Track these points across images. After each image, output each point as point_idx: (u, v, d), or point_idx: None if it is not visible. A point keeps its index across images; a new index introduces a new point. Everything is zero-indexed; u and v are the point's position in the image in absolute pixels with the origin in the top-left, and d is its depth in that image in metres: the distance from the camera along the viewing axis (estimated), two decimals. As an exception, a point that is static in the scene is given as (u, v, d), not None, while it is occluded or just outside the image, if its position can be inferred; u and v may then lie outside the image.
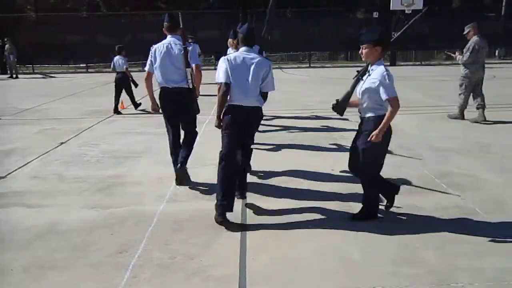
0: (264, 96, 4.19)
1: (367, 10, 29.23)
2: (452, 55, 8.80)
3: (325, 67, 22.25)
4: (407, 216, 3.99)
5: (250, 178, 5.08)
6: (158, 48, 4.78)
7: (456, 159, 5.69)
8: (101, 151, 6.59)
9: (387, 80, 3.60)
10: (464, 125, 7.79)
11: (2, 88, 16.04)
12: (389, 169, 5.26)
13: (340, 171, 5.30)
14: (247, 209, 4.27)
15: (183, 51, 4.65)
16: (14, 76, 19.29)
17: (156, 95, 4.97)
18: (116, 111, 9.86)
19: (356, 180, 4.88)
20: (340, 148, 6.44)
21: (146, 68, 4.91)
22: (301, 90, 12.98)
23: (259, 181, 5.08)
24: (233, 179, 3.92)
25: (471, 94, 8.08)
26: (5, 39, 19.57)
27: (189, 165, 5.73)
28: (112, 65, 10.38)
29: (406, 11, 19.96)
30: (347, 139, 6.80)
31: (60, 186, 5.08)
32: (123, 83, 10.07)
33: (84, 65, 22.61)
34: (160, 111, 5.02)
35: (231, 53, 4.13)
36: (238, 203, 4.37)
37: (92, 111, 10.14)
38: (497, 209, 4.08)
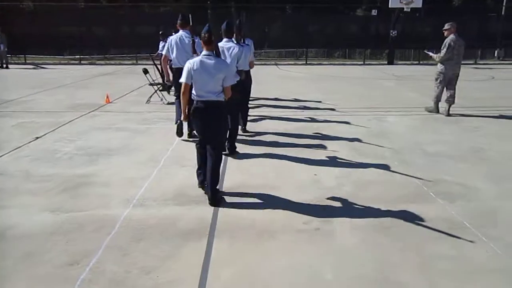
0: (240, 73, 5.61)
1: (367, 8, 28.88)
2: (430, 54, 9.25)
3: (322, 64, 21.89)
4: (389, 228, 3.68)
5: (227, 184, 4.79)
6: (174, 39, 6.62)
7: (448, 165, 5.38)
8: (75, 147, 6.26)
9: None
10: (459, 127, 7.48)
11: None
12: (375, 174, 4.99)
13: (324, 176, 4.98)
14: (218, 216, 3.95)
15: (191, 42, 6.25)
16: (5, 66, 18.89)
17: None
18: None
19: (339, 188, 4.59)
20: (326, 149, 6.12)
21: (164, 52, 6.82)
22: (293, 88, 12.63)
23: (238, 184, 4.75)
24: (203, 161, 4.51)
25: (446, 87, 8.60)
26: None
27: (165, 164, 5.45)
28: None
29: (405, 9, 19.58)
30: (337, 141, 6.52)
31: (25, 184, 4.76)
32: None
33: (78, 56, 22.14)
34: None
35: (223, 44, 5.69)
36: (210, 209, 4.08)
37: (77, 104, 9.79)
38: (488, 222, 3.77)
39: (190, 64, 4.20)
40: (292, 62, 22.47)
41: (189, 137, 6.58)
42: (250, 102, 8.01)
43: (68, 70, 18.13)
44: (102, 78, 15.46)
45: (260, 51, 25.50)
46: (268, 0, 38.53)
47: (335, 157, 5.74)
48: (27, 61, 21.55)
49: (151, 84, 10.07)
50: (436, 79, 8.64)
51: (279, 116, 8.72)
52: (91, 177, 5.01)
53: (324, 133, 7.11)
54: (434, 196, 4.38)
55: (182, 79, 4.22)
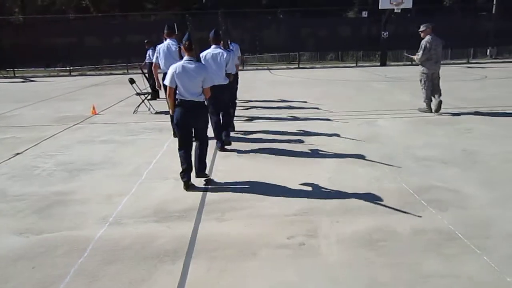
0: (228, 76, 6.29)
1: (358, 10, 28.80)
2: (411, 56, 9.48)
3: (314, 67, 21.74)
4: (378, 242, 3.47)
5: (211, 197, 4.58)
6: (162, 47, 7.21)
7: (440, 170, 5.18)
8: (56, 163, 6.04)
9: None
10: (451, 129, 7.29)
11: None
12: (364, 183, 4.79)
13: (310, 186, 4.78)
14: (198, 233, 3.74)
15: (178, 49, 6.33)
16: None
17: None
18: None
19: (327, 198, 4.39)
20: (314, 157, 5.92)
21: (154, 60, 7.40)
22: (282, 93, 12.44)
23: (222, 197, 4.54)
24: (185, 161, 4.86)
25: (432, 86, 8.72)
26: None
27: (147, 178, 5.24)
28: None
29: (396, 10, 19.47)
30: (324, 147, 6.32)
31: (-2, 205, 4.53)
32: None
33: (67, 68, 21.93)
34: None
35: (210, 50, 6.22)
36: (189, 225, 3.87)
37: (62, 117, 9.57)
38: (481, 233, 3.57)
39: (173, 68, 4.71)
40: (285, 66, 22.34)
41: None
42: (239, 106, 8.95)
43: (57, 83, 17.92)
44: (91, 89, 15.26)
45: (252, 56, 25.41)
46: (259, 5, 38.65)
47: (324, 165, 5.54)
48: (16, 75, 21.29)
49: (138, 94, 9.87)
50: (421, 80, 8.81)
51: (267, 121, 8.54)
52: (68, 194, 4.79)
53: (312, 139, 6.91)
54: (426, 204, 4.18)
55: (166, 82, 4.76)
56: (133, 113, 9.72)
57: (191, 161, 4.84)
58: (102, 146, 6.89)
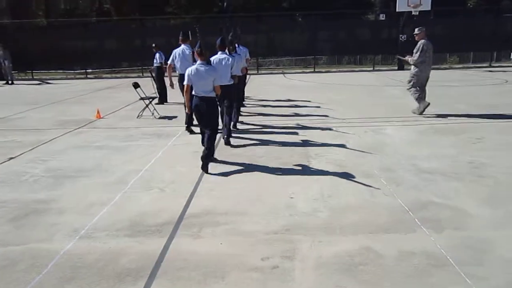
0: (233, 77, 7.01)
1: (378, 12, 28.23)
2: (403, 58, 9.43)
3: (330, 71, 21.34)
4: (359, 267, 3.17)
5: (192, 210, 4.35)
6: (177, 51, 8.27)
7: (441, 185, 4.82)
8: (46, 168, 5.93)
9: None
10: (460, 139, 6.87)
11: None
12: (357, 197, 4.49)
13: (299, 200, 4.49)
14: (168, 251, 3.51)
15: (191, 53, 7.19)
16: (10, 82, 18.97)
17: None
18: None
19: (314, 214, 4.10)
20: (311, 167, 5.62)
21: (169, 62, 8.39)
22: (293, 98, 12.14)
23: (203, 210, 4.31)
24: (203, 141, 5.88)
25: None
26: None
27: (132, 187, 5.05)
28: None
29: (413, 12, 18.88)
30: (324, 156, 6.02)
31: (-25, 213, 4.41)
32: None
33: (84, 70, 22.14)
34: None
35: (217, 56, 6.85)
36: (161, 242, 3.64)
37: (66, 120, 9.53)
38: (475, 259, 3.23)
39: (189, 71, 5.70)
40: (300, 70, 21.98)
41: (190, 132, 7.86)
42: (243, 111, 9.55)
43: (72, 85, 18.05)
44: (103, 92, 15.29)
45: (269, 60, 25.18)
46: (279, 8, 38.41)
47: (319, 176, 5.24)
48: (34, 77, 21.59)
49: (142, 99, 9.74)
50: (410, 81, 8.97)
51: (269, 126, 8.30)
52: (48, 203, 4.64)
53: (313, 147, 6.62)
54: (419, 223, 3.85)
55: (185, 82, 5.72)
56: (137, 117, 9.59)
57: (208, 145, 5.72)
58: (96, 152, 6.75)
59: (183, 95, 6.38)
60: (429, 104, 8.83)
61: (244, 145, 6.93)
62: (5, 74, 19.21)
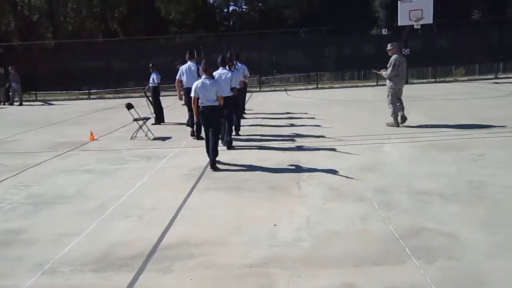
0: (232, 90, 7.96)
1: (381, 27, 28.11)
2: (378, 72, 9.84)
3: (333, 87, 21.10)
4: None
5: (167, 241, 4.07)
6: (184, 67, 9.25)
7: (436, 208, 4.50)
8: (27, 195, 5.72)
9: None
10: (460, 156, 6.53)
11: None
12: (346, 224, 4.19)
13: (283, 227, 4.20)
14: (134, 289, 3.23)
15: (196, 69, 8.22)
16: (18, 103, 19.11)
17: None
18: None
19: (297, 244, 3.79)
20: (301, 190, 5.33)
21: (177, 77, 9.35)
22: (293, 114, 11.90)
23: (180, 240, 4.03)
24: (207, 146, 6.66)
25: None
26: (9, 67, 19.46)
27: (110, 214, 4.80)
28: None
29: (415, 26, 18.65)
30: (316, 178, 5.73)
31: None
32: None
33: (87, 91, 22.21)
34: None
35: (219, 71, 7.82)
36: (127, 278, 3.37)
37: (59, 143, 9.36)
38: (468, 295, 2.90)
39: (196, 84, 6.59)
40: (303, 87, 21.75)
41: (198, 139, 8.63)
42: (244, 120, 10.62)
43: (73, 106, 18.04)
44: (102, 112, 15.19)
45: (272, 77, 25.06)
46: (285, 25, 38.56)
47: (307, 201, 4.95)
48: (38, 98, 21.68)
49: (135, 120, 9.56)
50: (388, 95, 9.32)
51: (263, 143, 8.07)
52: (19, 233, 4.41)
53: (306, 168, 6.33)
54: (410, 253, 3.52)
55: (192, 94, 6.60)
56: (131, 139, 9.40)
57: (212, 147, 6.55)
58: (82, 176, 6.53)
59: (187, 105, 8.28)
60: (404, 117, 9.21)
61: (234, 165, 6.68)
62: (12, 96, 19.39)
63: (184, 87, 9.22)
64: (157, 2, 41.80)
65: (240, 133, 9.19)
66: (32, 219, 4.82)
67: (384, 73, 9.31)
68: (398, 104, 9.29)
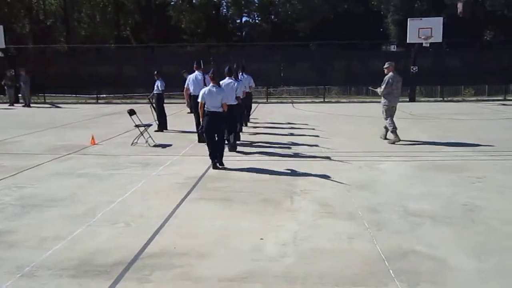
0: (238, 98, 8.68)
1: (387, 43, 28.08)
2: (375, 90, 10.00)
3: (340, 102, 21.05)
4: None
5: (151, 249, 4.03)
6: (191, 77, 9.72)
7: (427, 230, 4.40)
8: (18, 196, 5.71)
9: None
10: (459, 177, 6.41)
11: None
12: (333, 241, 4.12)
13: (268, 241, 4.13)
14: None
15: (203, 78, 9.18)
16: (23, 104, 19.34)
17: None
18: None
19: (280, 259, 3.70)
20: (293, 204, 5.26)
21: (185, 86, 9.86)
22: (295, 128, 11.86)
23: (163, 250, 3.98)
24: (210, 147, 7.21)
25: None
26: (20, 70, 19.71)
27: (98, 220, 4.76)
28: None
29: (424, 44, 18.60)
30: (308, 193, 5.65)
31: None
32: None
33: (95, 95, 22.40)
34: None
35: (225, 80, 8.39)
36: (106, 283, 3.32)
37: (60, 146, 9.40)
38: (447, 323, 2.80)
39: (203, 91, 7.18)
40: (310, 100, 21.74)
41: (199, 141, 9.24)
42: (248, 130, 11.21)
43: (80, 110, 18.16)
44: (108, 117, 15.27)
45: (281, 89, 25.10)
46: (296, 37, 38.72)
47: (297, 216, 4.88)
48: (47, 100, 21.89)
49: (136, 126, 9.57)
50: (383, 112, 9.52)
51: (262, 155, 8.00)
52: (3, 234, 4.40)
53: (300, 182, 6.26)
54: (394, 276, 3.43)
55: (199, 99, 7.17)
56: (131, 145, 9.41)
57: (215, 149, 7.16)
58: (76, 180, 6.53)
59: (194, 111, 8.98)
60: (386, 132, 9.59)
61: (230, 176, 6.63)
62: (23, 97, 19.64)
63: (191, 95, 9.63)
64: (169, 10, 42.30)
65: (237, 142, 9.07)
66: (18, 221, 4.80)
67: (378, 90, 9.48)
68: (392, 125, 9.35)
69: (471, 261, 3.68)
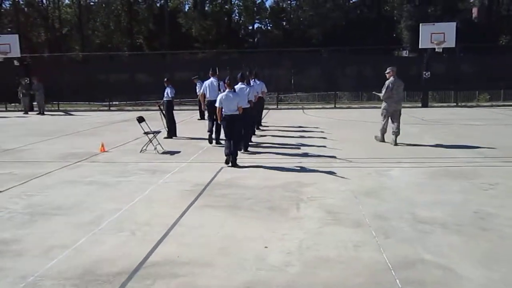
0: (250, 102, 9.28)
1: (400, 49, 27.85)
2: (378, 94, 10.36)
3: (351, 107, 20.91)
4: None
5: (155, 258, 4.00)
6: (207, 83, 10.36)
7: (437, 238, 4.30)
8: (26, 204, 5.75)
9: None
10: (471, 184, 6.28)
11: (11, 125, 16.05)
12: (339, 250, 4.05)
13: (273, 250, 4.07)
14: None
15: (218, 84, 9.84)
16: (37, 112, 19.65)
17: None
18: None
19: (284, 269, 3.65)
20: (299, 211, 5.20)
21: (202, 91, 10.69)
22: (303, 133, 11.79)
23: (167, 259, 3.95)
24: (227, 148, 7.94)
25: (392, 121, 9.83)
26: (33, 78, 20.05)
27: (104, 228, 4.76)
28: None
29: (437, 49, 18.39)
30: (315, 200, 5.59)
31: None
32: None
33: (107, 103, 22.63)
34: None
35: (238, 86, 8.96)
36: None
37: (70, 153, 9.48)
38: (454, 336, 2.71)
39: (220, 96, 7.93)
40: (320, 106, 21.65)
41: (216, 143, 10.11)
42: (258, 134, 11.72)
43: (92, 117, 18.36)
44: (118, 124, 15.40)
45: (291, 95, 25.06)
46: (308, 43, 38.72)
47: (303, 224, 4.81)
48: (60, 108, 22.19)
49: (145, 133, 9.62)
50: (381, 114, 9.97)
51: (270, 161, 7.92)
52: (10, 244, 4.41)
53: (308, 189, 6.19)
54: (400, 285, 3.35)
55: (217, 104, 7.93)
56: (140, 152, 9.45)
57: (231, 148, 7.80)
58: (84, 188, 6.56)
59: (209, 114, 10.15)
60: (393, 139, 9.66)
61: (238, 182, 6.60)
62: (38, 106, 19.98)
63: (208, 99, 10.31)
64: (181, 18, 42.69)
65: (249, 149, 9.42)
66: (26, 229, 4.83)
67: (380, 94, 9.90)
68: (393, 128, 9.67)
69: (481, 271, 3.57)
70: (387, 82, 9.64)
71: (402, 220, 4.83)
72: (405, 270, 3.62)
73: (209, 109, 10.26)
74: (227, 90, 7.87)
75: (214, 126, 10.04)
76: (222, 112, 7.82)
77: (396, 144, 9.54)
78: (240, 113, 7.86)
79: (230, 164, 7.75)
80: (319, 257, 3.91)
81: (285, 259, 3.90)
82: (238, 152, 8.14)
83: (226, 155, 7.88)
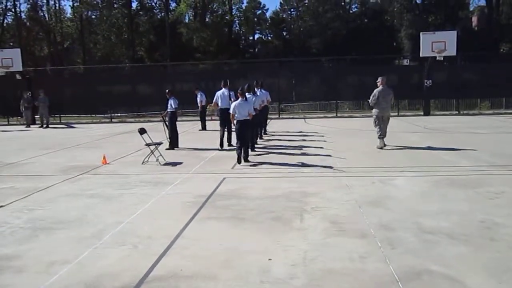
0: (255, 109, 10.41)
1: (400, 57, 27.90)
2: (368, 101, 11.02)
3: (352, 116, 20.88)
4: None
5: (158, 272, 3.94)
6: (219, 93, 11.56)
7: (443, 248, 4.23)
8: (27, 219, 5.71)
9: None
10: (476, 193, 6.21)
11: (13, 139, 16.07)
12: (343, 261, 4.00)
13: (277, 263, 4.01)
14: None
15: (228, 94, 11.41)
16: (45, 126, 19.69)
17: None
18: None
19: (288, 281, 3.59)
20: (303, 222, 5.14)
21: (214, 100, 11.72)
22: (305, 143, 11.75)
23: (170, 271, 3.89)
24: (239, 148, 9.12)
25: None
26: (39, 91, 20.10)
27: (105, 242, 4.70)
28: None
29: (438, 58, 18.40)
30: (319, 210, 5.53)
31: None
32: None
33: (109, 115, 22.67)
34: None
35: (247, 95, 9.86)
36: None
37: (72, 166, 9.46)
38: None
39: (233, 104, 9.20)
40: (322, 115, 21.62)
41: (229, 146, 11.21)
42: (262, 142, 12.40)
43: (94, 129, 18.37)
44: (120, 136, 15.39)
45: (292, 104, 25.06)
46: (309, 53, 38.90)
47: (307, 234, 4.75)
48: (62, 121, 22.23)
49: (147, 145, 9.60)
50: (373, 122, 10.79)
51: (272, 171, 7.87)
52: (11, 259, 4.36)
53: (312, 199, 6.13)
54: (407, 297, 3.28)
55: (231, 111, 9.20)
56: (142, 164, 9.42)
57: (241, 150, 9.01)
58: (86, 201, 6.51)
59: (221, 121, 11.26)
60: (385, 145, 10.54)
61: (241, 193, 6.54)
62: (40, 118, 20.02)
63: (220, 107, 11.49)
64: (182, 29, 42.95)
65: (249, 159, 9.47)
66: (27, 244, 4.78)
67: (369, 101, 10.84)
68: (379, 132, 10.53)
69: (488, 282, 3.50)
70: (375, 91, 10.51)
71: (407, 230, 4.76)
72: (411, 281, 3.55)
73: (221, 116, 11.41)
74: (240, 99, 9.14)
75: (226, 130, 11.26)
76: (235, 118, 9.07)
77: (384, 145, 10.48)
78: (251, 118, 9.22)
79: (243, 161, 8.98)
80: (324, 269, 3.85)
81: (290, 271, 3.84)
82: (248, 150, 9.44)
83: (238, 154, 9.03)
